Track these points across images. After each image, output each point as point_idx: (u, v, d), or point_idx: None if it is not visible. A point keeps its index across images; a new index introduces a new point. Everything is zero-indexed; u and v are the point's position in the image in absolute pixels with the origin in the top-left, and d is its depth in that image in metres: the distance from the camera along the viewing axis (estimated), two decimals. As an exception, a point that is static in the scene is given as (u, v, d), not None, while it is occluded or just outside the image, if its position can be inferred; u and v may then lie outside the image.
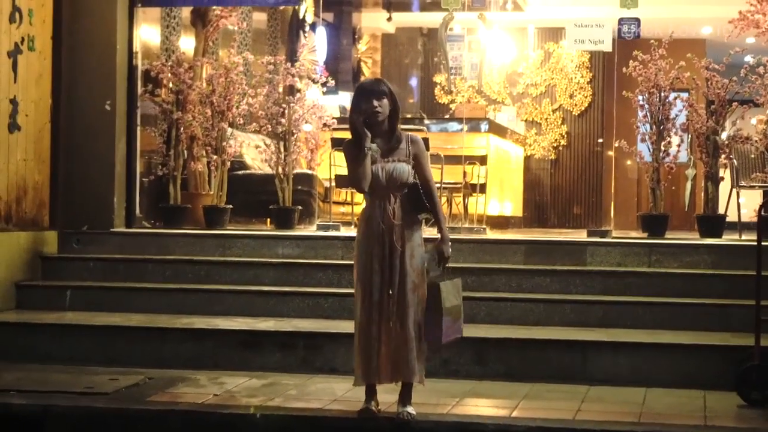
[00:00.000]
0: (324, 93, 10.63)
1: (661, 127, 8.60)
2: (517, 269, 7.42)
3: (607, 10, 9.20)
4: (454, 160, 9.61)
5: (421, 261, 4.98)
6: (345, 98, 12.81)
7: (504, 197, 12.06)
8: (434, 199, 5.01)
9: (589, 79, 14.51)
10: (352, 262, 5.09)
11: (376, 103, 4.90)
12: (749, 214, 8.80)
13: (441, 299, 4.89)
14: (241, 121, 9.53)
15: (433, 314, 4.92)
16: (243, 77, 9.12)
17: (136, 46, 8.60)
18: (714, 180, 8.57)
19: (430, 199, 4.98)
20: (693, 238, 8.33)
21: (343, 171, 8.90)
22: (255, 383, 6.08)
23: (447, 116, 13.34)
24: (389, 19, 14.59)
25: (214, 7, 9.55)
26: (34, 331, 6.85)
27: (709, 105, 8.69)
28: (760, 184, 8.89)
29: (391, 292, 4.92)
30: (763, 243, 5.79)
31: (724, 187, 8.79)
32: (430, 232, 5.44)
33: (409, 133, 5.08)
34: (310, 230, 8.74)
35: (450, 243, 5.03)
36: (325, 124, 9.37)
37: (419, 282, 4.98)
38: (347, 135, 5.07)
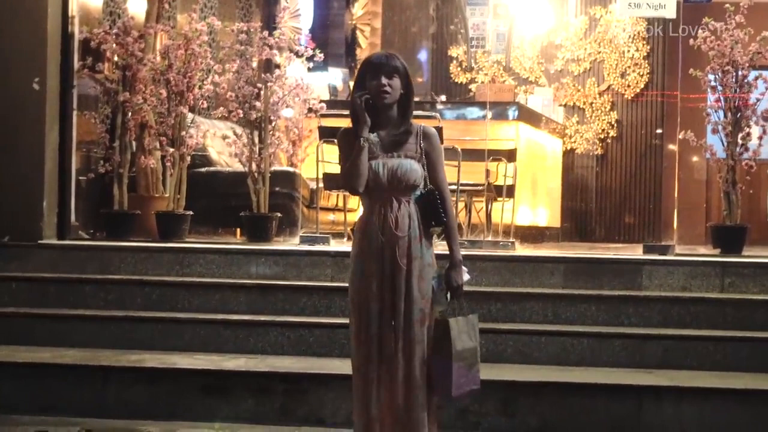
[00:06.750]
0: (310, 69, 10.63)
1: (738, 114, 8.65)
2: (554, 294, 7.46)
3: (671, -35, 9.25)
4: (475, 155, 9.63)
5: (430, 285, 4.97)
6: (336, 76, 12.81)
7: (537, 203, 12.09)
8: (448, 210, 5.00)
9: (645, 54, 14.54)
10: (347, 284, 5.10)
11: (384, 81, 4.85)
12: None
13: (451, 340, 4.84)
14: (205, 105, 9.60)
15: (441, 359, 4.86)
16: (207, 49, 9.16)
17: (73, 10, 8.65)
18: (805, 182, 8.64)
19: (444, 209, 4.99)
20: (778, 255, 8.38)
21: (335, 169, 8.95)
22: (221, 438, 6.11)
23: (465, 100, 13.38)
24: (393, -25, 14.65)
25: (172, -39, 9.66)
26: (-59, 370, 6.88)
27: (799, 87, 8.72)
28: None
29: (394, 323, 4.90)
30: None
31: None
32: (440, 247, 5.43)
33: (422, 124, 5.07)
34: (292, 244, 8.78)
35: (464, 268, 4.97)
36: (310, 109, 9.42)
37: (429, 312, 4.96)
38: (340, 122, 5.08)
